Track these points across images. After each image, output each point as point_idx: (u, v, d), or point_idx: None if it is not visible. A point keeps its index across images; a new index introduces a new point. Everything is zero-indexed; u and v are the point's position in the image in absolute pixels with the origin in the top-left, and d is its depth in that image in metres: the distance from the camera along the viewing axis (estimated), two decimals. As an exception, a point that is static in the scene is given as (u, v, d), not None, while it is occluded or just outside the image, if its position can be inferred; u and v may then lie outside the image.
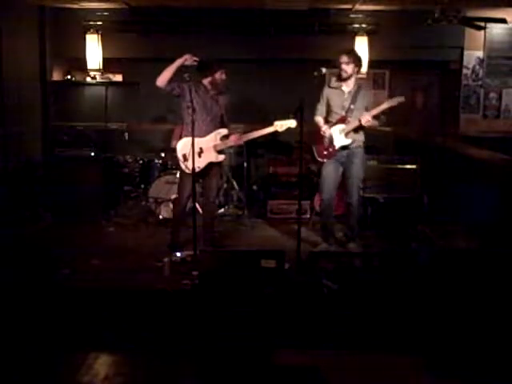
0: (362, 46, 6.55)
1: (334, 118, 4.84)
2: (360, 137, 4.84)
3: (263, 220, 6.17)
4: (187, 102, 4.58)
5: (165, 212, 5.81)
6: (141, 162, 6.30)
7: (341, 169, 4.88)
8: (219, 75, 4.74)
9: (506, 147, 5.54)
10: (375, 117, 4.69)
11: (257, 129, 4.88)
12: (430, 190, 5.88)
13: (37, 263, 4.19)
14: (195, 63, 4.62)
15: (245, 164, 6.46)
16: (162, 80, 4.59)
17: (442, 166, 6.02)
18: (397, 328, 3.51)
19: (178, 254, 4.62)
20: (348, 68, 4.67)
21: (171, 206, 5.62)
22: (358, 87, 4.78)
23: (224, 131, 4.82)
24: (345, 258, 4.74)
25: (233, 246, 5.21)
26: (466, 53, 6.90)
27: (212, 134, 4.76)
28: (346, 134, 4.74)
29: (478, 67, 6.97)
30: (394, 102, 4.69)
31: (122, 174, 6.34)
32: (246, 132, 4.97)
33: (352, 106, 4.73)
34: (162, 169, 6.16)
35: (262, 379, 3.09)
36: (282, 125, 4.76)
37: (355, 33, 6.59)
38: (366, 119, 4.61)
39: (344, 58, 4.67)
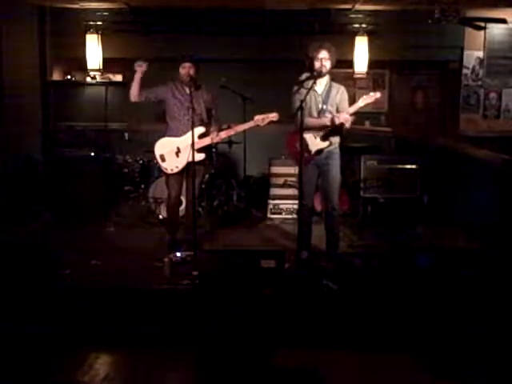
0: (361, 45, 6.55)
1: None
2: (336, 139, 4.57)
3: (263, 220, 6.17)
4: (167, 104, 4.71)
5: (165, 212, 5.80)
6: (141, 162, 6.30)
7: (317, 172, 4.62)
8: (181, 70, 4.63)
9: (506, 147, 5.55)
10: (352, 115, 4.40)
11: (236, 124, 4.77)
12: (430, 190, 5.88)
13: (37, 263, 4.19)
14: (145, 65, 4.61)
15: (245, 164, 6.47)
16: (133, 96, 4.70)
17: (441, 165, 6.02)
18: (396, 328, 3.51)
19: (178, 254, 4.61)
20: (327, 64, 4.42)
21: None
22: (329, 86, 4.52)
23: (201, 129, 4.65)
24: (345, 257, 4.75)
25: (233, 246, 5.21)
26: (466, 53, 6.91)
27: (189, 133, 4.53)
28: (323, 137, 4.49)
29: (477, 67, 6.97)
30: (371, 98, 4.38)
31: (122, 173, 6.34)
32: (224, 129, 4.80)
33: (324, 107, 4.49)
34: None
35: (261, 379, 3.09)
36: (263, 118, 4.60)
37: (355, 33, 6.59)
38: (340, 119, 4.32)
39: (322, 54, 4.39)
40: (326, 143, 4.51)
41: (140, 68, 4.62)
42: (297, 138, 4.37)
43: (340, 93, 4.53)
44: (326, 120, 4.47)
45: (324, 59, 4.41)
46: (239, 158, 6.50)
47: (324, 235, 4.93)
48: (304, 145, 4.46)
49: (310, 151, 4.53)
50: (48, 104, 6.76)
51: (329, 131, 4.49)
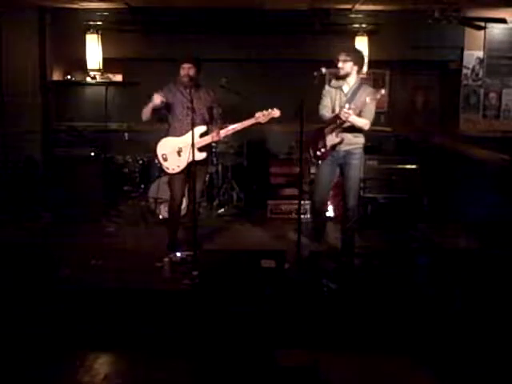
0: (361, 46, 6.54)
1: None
2: (358, 139, 4.69)
3: (263, 220, 6.17)
4: (168, 105, 4.71)
5: (165, 212, 5.81)
6: (141, 162, 6.30)
7: (337, 170, 4.79)
8: (181, 71, 4.63)
9: (506, 147, 5.55)
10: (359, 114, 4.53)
11: (237, 122, 4.73)
12: (430, 190, 5.87)
13: (37, 263, 4.19)
14: (160, 99, 4.57)
15: (245, 164, 6.48)
16: (145, 117, 4.67)
17: (442, 165, 6.02)
18: (396, 328, 3.51)
19: (178, 254, 4.62)
20: (345, 66, 4.58)
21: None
22: (358, 86, 4.66)
23: (202, 128, 4.64)
24: (345, 258, 4.75)
25: (233, 246, 5.21)
26: (466, 53, 6.90)
27: (190, 133, 4.53)
28: (337, 133, 4.61)
29: (478, 67, 6.97)
30: (376, 95, 4.48)
31: (122, 173, 6.34)
32: (225, 127, 4.77)
33: (347, 105, 4.56)
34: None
35: (262, 379, 3.09)
36: (264, 115, 4.60)
37: (355, 33, 6.60)
38: (343, 113, 4.44)
39: (341, 56, 4.59)
40: (338, 139, 4.63)
41: (157, 100, 4.55)
42: (318, 135, 4.67)
43: (366, 94, 4.58)
44: (334, 115, 4.63)
45: (341, 61, 4.59)
46: (239, 158, 6.50)
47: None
48: (322, 140, 4.69)
49: (326, 146, 4.67)
50: (48, 104, 6.76)
51: (342, 128, 4.60)
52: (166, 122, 4.84)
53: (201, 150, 4.63)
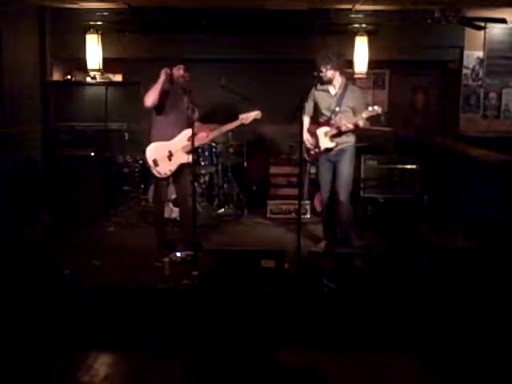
0: (361, 45, 6.55)
1: (322, 119, 4.84)
2: (349, 138, 4.77)
3: (263, 220, 6.17)
4: (161, 106, 4.69)
5: (167, 212, 5.80)
6: (141, 162, 6.30)
7: (332, 168, 4.87)
8: (176, 71, 4.66)
9: (506, 147, 5.54)
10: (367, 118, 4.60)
11: (223, 124, 4.83)
12: (430, 190, 5.87)
13: (37, 263, 4.19)
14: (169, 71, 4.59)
15: (245, 164, 6.47)
16: (152, 100, 4.59)
17: (441, 165, 6.02)
18: (396, 328, 3.51)
19: (178, 254, 4.62)
20: (327, 73, 4.64)
21: (171, 206, 5.65)
22: (345, 89, 4.70)
23: (189, 131, 4.63)
24: (345, 258, 4.75)
25: (233, 246, 5.21)
26: (466, 53, 6.90)
27: (179, 136, 4.68)
28: (331, 137, 4.69)
29: (478, 67, 6.97)
30: (371, 112, 4.55)
31: (122, 174, 6.34)
32: (212, 129, 4.85)
33: (337, 109, 4.67)
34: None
35: (261, 379, 3.09)
36: (247, 117, 4.72)
37: (355, 33, 6.59)
38: (345, 126, 4.58)
39: (321, 65, 4.64)
40: (333, 144, 4.72)
41: (166, 74, 4.56)
42: (310, 134, 4.76)
43: (355, 95, 4.66)
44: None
45: (322, 65, 4.63)
46: (239, 158, 6.50)
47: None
48: (315, 141, 4.77)
49: (319, 147, 4.76)
50: (48, 104, 6.76)
51: (338, 133, 4.66)
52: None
53: (189, 152, 4.66)
